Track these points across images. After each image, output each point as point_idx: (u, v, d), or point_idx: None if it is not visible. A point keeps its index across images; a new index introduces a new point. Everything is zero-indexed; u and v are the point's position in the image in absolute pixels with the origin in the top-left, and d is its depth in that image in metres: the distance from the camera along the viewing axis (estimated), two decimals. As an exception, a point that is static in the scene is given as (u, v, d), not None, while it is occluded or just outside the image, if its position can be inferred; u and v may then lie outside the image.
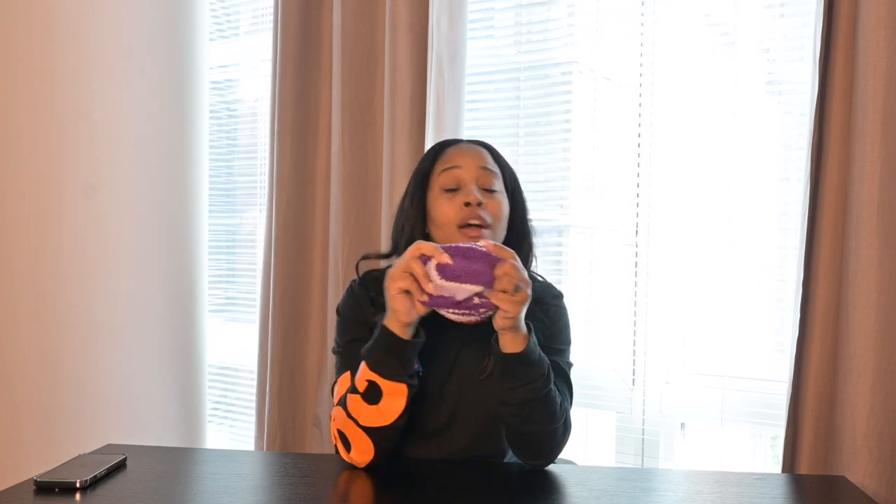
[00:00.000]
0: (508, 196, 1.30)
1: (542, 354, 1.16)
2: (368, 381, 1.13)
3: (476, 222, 1.22)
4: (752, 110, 1.77)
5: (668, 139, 1.85)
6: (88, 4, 2.10)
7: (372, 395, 1.13)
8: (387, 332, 1.12)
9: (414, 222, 1.27)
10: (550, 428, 1.17)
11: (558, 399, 1.18)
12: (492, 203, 1.25)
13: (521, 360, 1.12)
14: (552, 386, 1.16)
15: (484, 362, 1.17)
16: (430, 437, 1.25)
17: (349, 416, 1.15)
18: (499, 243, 1.12)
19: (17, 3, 2.01)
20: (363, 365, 1.15)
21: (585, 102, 1.99)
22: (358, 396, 1.14)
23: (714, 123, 1.81)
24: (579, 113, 1.98)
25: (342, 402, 1.17)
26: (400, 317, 1.11)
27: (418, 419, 1.23)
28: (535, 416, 1.15)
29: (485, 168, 1.26)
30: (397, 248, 1.30)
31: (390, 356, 1.12)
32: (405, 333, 1.12)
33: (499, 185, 1.28)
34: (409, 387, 1.14)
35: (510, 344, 1.12)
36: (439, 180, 1.26)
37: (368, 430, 1.14)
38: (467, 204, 1.22)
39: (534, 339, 1.14)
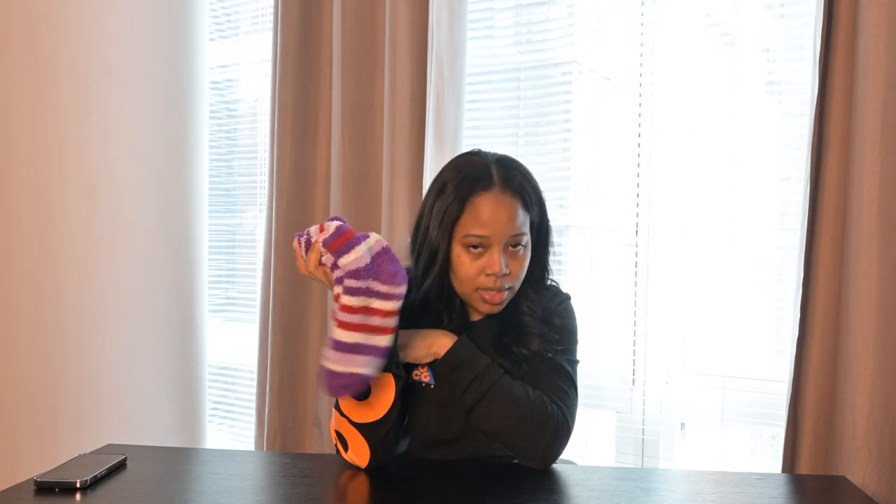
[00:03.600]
0: (534, 232, 1.25)
1: (479, 355, 1.19)
2: None
3: (495, 290, 1.20)
4: (752, 110, 1.77)
5: (668, 139, 1.85)
6: (88, 4, 2.10)
7: None
8: None
9: (441, 269, 1.21)
10: (516, 424, 1.17)
11: (523, 395, 1.18)
12: (515, 265, 1.21)
13: (446, 364, 1.18)
14: (504, 383, 1.18)
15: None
16: (441, 445, 1.25)
17: (342, 414, 1.17)
18: None
19: (17, 3, 2.01)
20: None
21: (585, 102, 1.99)
22: None
23: (714, 123, 1.80)
24: (579, 113, 1.98)
25: (336, 403, 1.18)
26: None
27: (430, 429, 1.24)
28: (493, 414, 1.17)
29: (515, 234, 1.19)
30: (417, 262, 1.25)
31: None
32: None
33: (526, 238, 1.22)
34: (396, 377, 1.14)
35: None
36: (465, 239, 1.18)
37: (361, 427, 1.15)
38: (490, 274, 1.18)
39: (463, 341, 1.19)
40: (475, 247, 1.18)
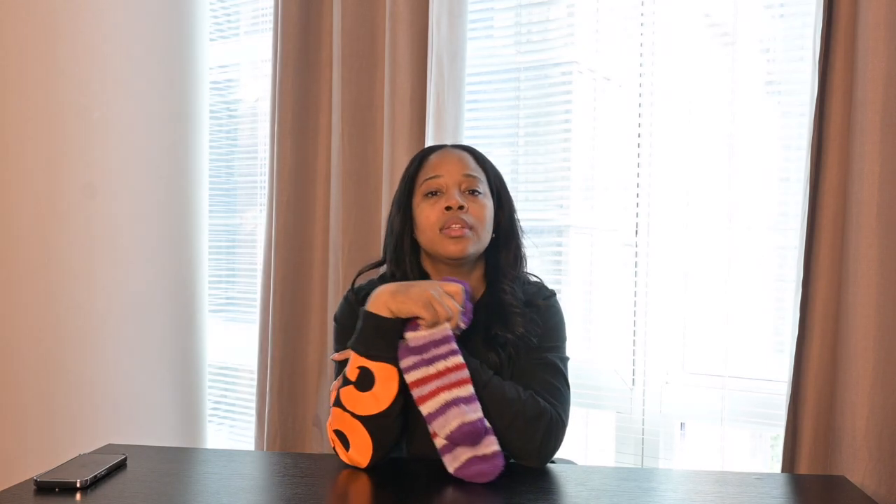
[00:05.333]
0: (494, 198, 1.33)
1: (467, 358, 1.19)
2: (360, 367, 1.16)
3: (457, 225, 1.25)
4: (752, 110, 1.77)
5: (668, 139, 1.85)
6: (89, 4, 2.10)
7: (365, 381, 1.16)
8: (371, 316, 1.17)
9: (400, 229, 1.31)
10: (509, 424, 1.18)
11: (513, 395, 1.19)
12: (474, 206, 1.27)
13: None
14: (494, 384, 1.19)
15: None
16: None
17: (344, 409, 1.17)
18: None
19: (18, 4, 2.01)
20: (353, 355, 1.18)
21: (585, 102, 1.99)
22: (351, 387, 1.17)
23: (714, 123, 1.80)
24: (579, 113, 1.98)
25: (337, 400, 1.18)
26: (391, 305, 1.16)
27: (425, 426, 1.24)
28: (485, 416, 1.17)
29: (467, 174, 1.29)
30: (386, 254, 1.36)
31: (377, 338, 1.16)
32: (391, 315, 1.17)
33: (482, 188, 1.30)
34: (400, 371, 1.16)
35: None
36: (422, 188, 1.29)
37: (365, 420, 1.16)
38: (448, 208, 1.25)
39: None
40: (433, 193, 1.28)
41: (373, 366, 1.15)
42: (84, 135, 2.09)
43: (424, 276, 1.33)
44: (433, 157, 1.32)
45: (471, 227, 1.26)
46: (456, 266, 1.30)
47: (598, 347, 1.97)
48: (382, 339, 1.16)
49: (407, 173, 1.34)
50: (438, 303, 1.15)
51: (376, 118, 2.02)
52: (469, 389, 1.15)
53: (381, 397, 1.15)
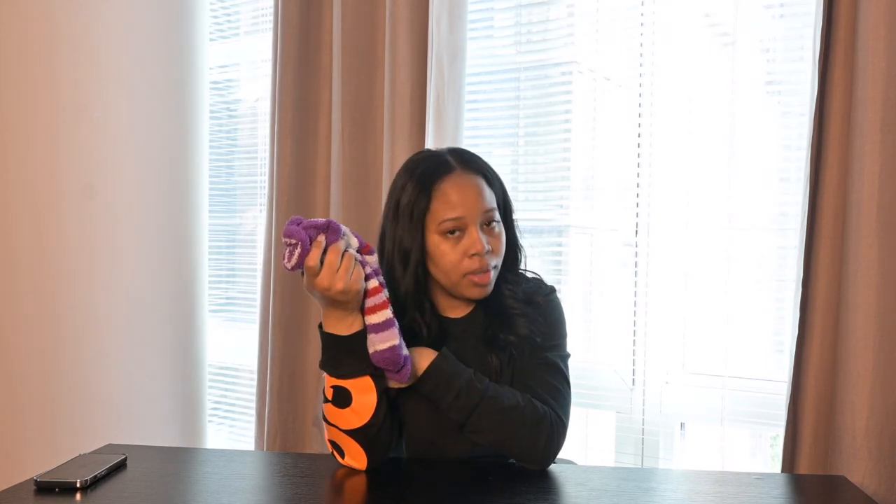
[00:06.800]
0: (501, 212, 1.27)
1: (461, 370, 1.18)
2: (334, 387, 1.14)
3: (483, 271, 1.20)
4: (752, 110, 1.77)
5: (668, 139, 1.85)
6: (88, 5, 2.10)
7: (341, 399, 1.14)
8: (332, 337, 1.13)
9: (417, 263, 1.21)
10: (512, 433, 1.17)
11: (512, 403, 1.18)
12: (494, 242, 1.22)
13: (424, 384, 1.17)
14: (491, 394, 1.17)
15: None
16: (437, 444, 1.25)
17: (330, 424, 1.17)
18: None
19: (17, 3, 2.01)
20: (325, 375, 1.15)
21: (585, 102, 1.99)
22: (329, 404, 1.15)
23: (714, 123, 1.80)
24: (579, 113, 1.98)
25: (323, 416, 1.18)
26: (345, 317, 1.12)
27: (422, 431, 1.24)
28: (486, 427, 1.17)
29: (487, 211, 1.21)
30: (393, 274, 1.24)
31: (345, 356, 1.13)
32: (350, 330, 1.12)
33: (497, 216, 1.24)
34: (374, 377, 1.14)
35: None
36: (440, 226, 1.19)
37: (352, 433, 1.15)
38: (475, 254, 1.19)
39: (444, 354, 1.18)
40: (452, 232, 1.19)
41: (347, 383, 1.13)
42: (84, 135, 2.09)
43: (434, 307, 1.27)
44: (447, 186, 1.19)
45: (494, 267, 1.22)
46: None
47: (598, 347, 1.97)
48: (350, 355, 1.12)
49: (418, 203, 1.19)
50: (354, 260, 1.09)
51: (376, 118, 2.02)
52: (383, 315, 1.11)
53: (360, 411, 1.14)
